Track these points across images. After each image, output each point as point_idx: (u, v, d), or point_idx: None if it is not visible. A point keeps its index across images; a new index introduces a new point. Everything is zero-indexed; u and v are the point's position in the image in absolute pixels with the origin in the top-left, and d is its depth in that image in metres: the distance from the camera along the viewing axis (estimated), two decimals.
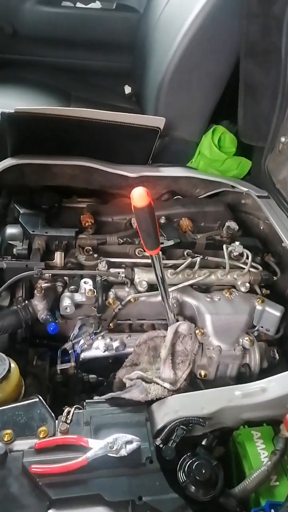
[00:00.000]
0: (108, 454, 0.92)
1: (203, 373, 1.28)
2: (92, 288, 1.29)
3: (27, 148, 1.52)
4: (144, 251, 1.42)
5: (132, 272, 1.38)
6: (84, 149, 1.57)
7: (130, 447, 0.94)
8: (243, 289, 1.42)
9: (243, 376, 1.32)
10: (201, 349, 1.29)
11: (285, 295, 1.48)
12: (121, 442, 0.94)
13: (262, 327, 1.39)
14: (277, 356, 1.38)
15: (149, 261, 1.40)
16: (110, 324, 1.38)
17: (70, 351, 1.41)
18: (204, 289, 1.46)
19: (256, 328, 1.39)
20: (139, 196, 0.92)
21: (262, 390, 1.13)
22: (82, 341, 1.40)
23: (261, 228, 1.72)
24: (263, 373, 1.31)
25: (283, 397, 1.11)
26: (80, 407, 1.06)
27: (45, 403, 1.05)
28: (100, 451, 0.92)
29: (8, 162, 1.49)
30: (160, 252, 1.10)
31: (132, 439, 0.95)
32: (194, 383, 1.28)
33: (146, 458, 0.95)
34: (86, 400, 1.07)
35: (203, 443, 1.05)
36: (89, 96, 2.18)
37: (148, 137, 1.61)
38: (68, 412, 1.02)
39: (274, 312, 1.37)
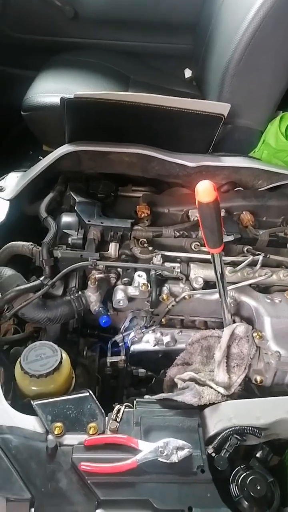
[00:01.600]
0: (159, 459, 0.89)
1: (259, 379, 1.20)
2: (146, 282, 1.25)
3: (85, 135, 1.49)
4: (202, 245, 1.36)
5: (187, 267, 1.32)
6: (143, 136, 1.51)
7: (181, 454, 0.90)
8: None
9: None
10: (258, 353, 1.22)
11: None
12: (172, 447, 0.91)
13: None
14: None
15: (206, 256, 1.34)
16: (162, 320, 1.33)
17: (120, 344, 1.39)
18: (263, 289, 1.37)
19: None
20: (205, 191, 0.85)
21: None
22: (132, 334, 1.37)
23: None
24: None
25: None
26: (130, 405, 1.03)
27: (95, 398, 1.03)
28: (150, 455, 0.89)
29: (66, 148, 1.47)
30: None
31: (184, 445, 0.91)
32: (248, 388, 1.21)
33: (198, 466, 0.91)
34: (137, 399, 1.04)
35: (258, 455, 0.99)
36: (148, 80, 2.11)
37: (211, 125, 1.51)
38: (118, 410, 1.00)
39: None
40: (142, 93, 1.43)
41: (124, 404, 1.03)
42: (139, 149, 1.49)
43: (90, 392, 1.04)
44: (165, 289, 1.28)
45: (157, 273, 1.28)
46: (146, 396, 1.08)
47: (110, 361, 1.36)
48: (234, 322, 1.23)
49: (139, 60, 2.33)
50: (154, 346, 1.39)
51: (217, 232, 0.93)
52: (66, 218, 1.40)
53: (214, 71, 1.76)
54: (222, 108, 1.45)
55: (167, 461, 0.89)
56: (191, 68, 2.23)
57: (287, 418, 1.03)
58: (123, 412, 1.00)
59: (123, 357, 1.36)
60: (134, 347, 1.39)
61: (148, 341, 1.39)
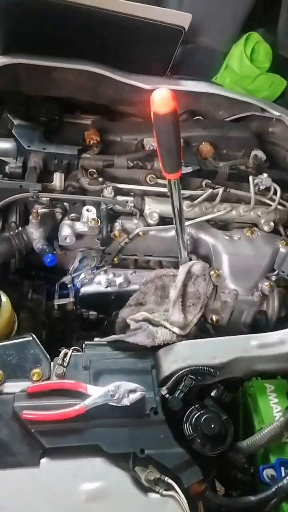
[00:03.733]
0: (109, 403, 0.82)
1: (215, 318, 1.16)
2: (96, 217, 1.13)
3: (23, 45, 1.26)
4: (158, 177, 1.24)
5: (142, 201, 1.20)
6: (92, 51, 1.31)
7: (133, 397, 0.84)
8: (266, 228, 1.26)
9: (258, 324, 1.20)
10: (214, 292, 1.16)
11: None
12: (124, 390, 0.84)
13: (283, 272, 1.25)
14: None
15: (162, 190, 1.23)
16: (115, 259, 1.23)
17: (69, 285, 1.29)
18: (222, 225, 1.29)
19: (276, 272, 1.24)
20: (162, 100, 0.72)
21: (281, 341, 1.01)
22: (82, 275, 1.27)
23: None
24: (280, 323, 1.20)
25: None
26: (79, 349, 0.95)
27: (39, 343, 0.93)
28: (100, 399, 0.82)
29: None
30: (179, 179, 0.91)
31: (136, 388, 0.85)
32: (204, 328, 1.17)
33: (151, 408, 0.85)
34: (86, 342, 0.96)
35: (212, 394, 0.96)
36: None
37: (169, 40, 1.33)
38: (65, 354, 0.91)
39: None
40: None
41: (72, 348, 0.94)
42: (88, 66, 1.30)
43: (34, 336, 0.94)
44: (117, 225, 1.16)
45: (108, 207, 1.15)
46: (96, 339, 0.99)
47: (57, 303, 1.26)
48: (190, 260, 1.15)
49: None
50: (106, 287, 1.31)
51: (176, 152, 0.81)
52: (3, 144, 1.21)
53: None
54: (182, 18, 1.27)
55: (118, 405, 0.83)
56: None
57: (243, 356, 0.99)
58: (70, 356, 0.91)
59: (71, 299, 1.27)
60: (84, 289, 1.30)
61: (99, 283, 1.32)
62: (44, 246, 1.11)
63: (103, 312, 1.34)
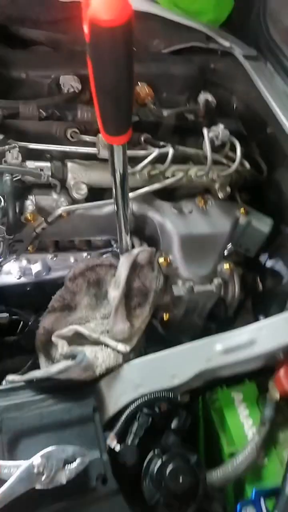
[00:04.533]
0: (36, 487, 0.56)
1: (165, 316, 0.92)
2: None
3: None
4: (83, 131, 0.90)
5: (63, 168, 0.87)
6: None
7: (72, 468, 0.59)
8: (221, 195, 1.01)
9: (215, 313, 1.00)
10: (163, 284, 0.91)
11: (272, 201, 1.09)
12: (56, 461, 0.58)
13: (240, 245, 1.03)
14: (260, 286, 1.06)
15: (90, 150, 0.90)
16: (29, 248, 0.91)
17: None
18: (167, 194, 1.01)
19: (230, 247, 1.02)
20: None
21: (250, 342, 0.82)
22: None
23: (234, 107, 1.24)
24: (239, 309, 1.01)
25: (276, 349, 0.81)
26: None
27: None
28: (22, 485, 0.56)
29: None
30: None
31: (74, 453, 0.60)
32: (150, 327, 0.93)
33: (97, 476, 0.61)
34: None
35: (173, 425, 0.75)
36: None
37: None
38: None
39: (260, 227, 1.00)
40: None
41: None
42: None
43: None
44: (29, 204, 0.83)
45: (14, 179, 0.81)
46: (10, 378, 0.70)
47: None
48: (133, 247, 0.88)
49: None
50: (19, 278, 1.01)
51: (125, 101, 0.49)
52: None
53: None
54: None
55: (50, 487, 0.57)
56: None
57: (208, 368, 0.78)
58: None
59: None
60: None
61: (9, 272, 1.02)
62: None
63: (17, 313, 1.04)
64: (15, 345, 0.98)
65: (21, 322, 1.03)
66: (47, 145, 0.87)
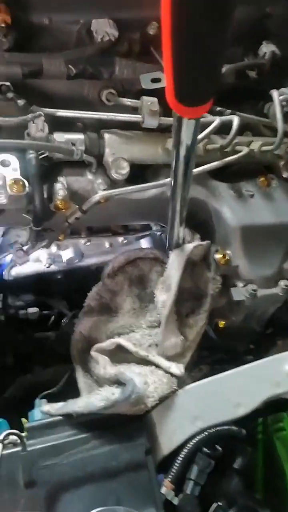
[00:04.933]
0: None
1: (221, 323, 0.77)
2: (20, 178, 0.61)
3: None
4: (121, 94, 0.72)
5: (99, 140, 0.69)
6: None
7: None
8: (286, 174, 0.83)
9: (276, 318, 0.84)
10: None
11: None
12: None
13: None
14: None
15: (132, 117, 0.72)
16: (59, 237, 0.75)
17: None
18: (220, 171, 0.83)
19: None
20: None
21: None
22: (10, 257, 0.83)
23: None
24: None
25: None
26: (17, 433, 0.52)
27: None
28: None
29: None
30: None
31: None
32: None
33: None
34: (27, 424, 0.53)
35: (236, 465, 0.61)
36: None
37: None
38: None
39: None
40: None
41: (2, 436, 0.51)
42: None
43: None
44: (59, 188, 0.65)
45: (41, 156, 0.63)
46: (45, 408, 0.56)
47: None
48: (183, 241, 0.71)
49: None
50: (48, 266, 0.94)
51: (218, 59, 0.32)
52: None
53: None
54: None
55: None
56: None
57: (276, 393, 0.64)
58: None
59: None
60: (17, 271, 0.92)
61: (38, 260, 0.94)
62: None
63: (48, 305, 0.94)
64: (49, 346, 0.86)
65: (53, 317, 0.93)
66: (78, 111, 0.69)
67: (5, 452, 0.50)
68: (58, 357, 0.81)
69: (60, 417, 0.54)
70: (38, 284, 0.97)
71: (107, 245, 1.00)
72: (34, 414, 0.62)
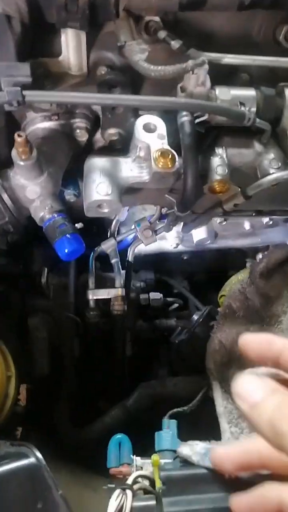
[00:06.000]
0: None
1: None
2: (167, 148, 0.46)
3: None
4: None
5: (276, 99, 0.50)
6: None
7: None
8: None
9: None
10: None
11: None
12: None
13: None
14: None
15: None
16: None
17: (113, 260, 0.72)
18: None
19: None
20: None
21: None
22: (133, 235, 0.73)
23: None
24: None
25: None
26: (146, 477, 0.41)
27: (50, 474, 0.41)
28: None
29: None
30: None
31: None
32: None
33: None
34: (164, 473, 0.41)
35: None
36: None
37: None
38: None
39: None
40: None
41: (132, 479, 0.41)
42: None
43: (41, 460, 0.41)
44: (218, 164, 0.49)
45: (197, 120, 0.47)
46: (183, 452, 0.44)
47: (94, 297, 0.70)
48: None
49: None
50: (175, 247, 0.83)
51: None
52: None
53: None
54: None
55: None
56: None
57: None
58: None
59: (120, 288, 0.70)
60: (140, 249, 0.80)
61: (165, 238, 0.83)
62: (55, 217, 0.49)
63: (172, 291, 0.84)
64: (176, 347, 0.75)
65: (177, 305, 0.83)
66: (251, 56, 0.50)
67: (136, 504, 0.39)
68: (187, 362, 0.68)
69: (203, 471, 0.42)
70: (161, 265, 0.86)
71: (247, 226, 0.84)
72: (162, 439, 0.52)
